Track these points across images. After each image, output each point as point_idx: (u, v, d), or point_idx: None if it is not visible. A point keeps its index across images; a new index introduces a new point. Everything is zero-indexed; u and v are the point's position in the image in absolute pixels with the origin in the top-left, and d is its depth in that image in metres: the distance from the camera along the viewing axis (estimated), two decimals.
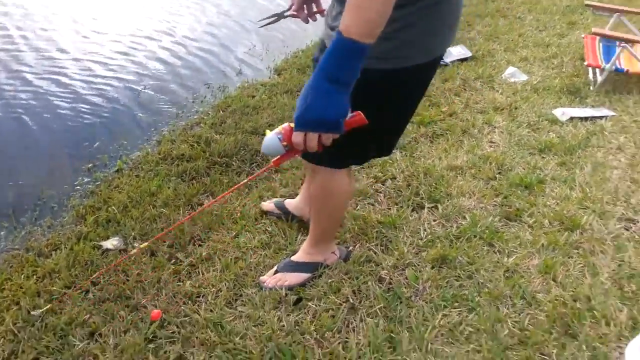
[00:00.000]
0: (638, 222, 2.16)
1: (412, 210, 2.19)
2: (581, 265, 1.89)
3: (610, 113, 3.01)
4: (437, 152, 2.65)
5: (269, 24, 1.73)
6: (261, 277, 1.82)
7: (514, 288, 1.77)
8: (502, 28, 4.54)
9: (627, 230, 2.11)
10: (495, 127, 2.91)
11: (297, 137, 1.12)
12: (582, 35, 3.86)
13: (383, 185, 2.36)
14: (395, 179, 2.40)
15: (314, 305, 1.70)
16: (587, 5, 3.97)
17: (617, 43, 3.25)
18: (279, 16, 1.70)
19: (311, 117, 1.09)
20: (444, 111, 3.07)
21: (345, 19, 1.02)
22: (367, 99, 1.20)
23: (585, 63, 3.33)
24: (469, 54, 3.90)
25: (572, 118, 2.94)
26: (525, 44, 4.13)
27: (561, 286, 1.79)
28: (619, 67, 3.28)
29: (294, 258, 1.85)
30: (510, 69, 3.58)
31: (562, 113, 2.98)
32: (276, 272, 1.81)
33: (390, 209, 2.19)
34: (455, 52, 3.89)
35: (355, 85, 1.09)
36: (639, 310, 1.70)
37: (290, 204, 2.12)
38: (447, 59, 3.78)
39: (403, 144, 2.70)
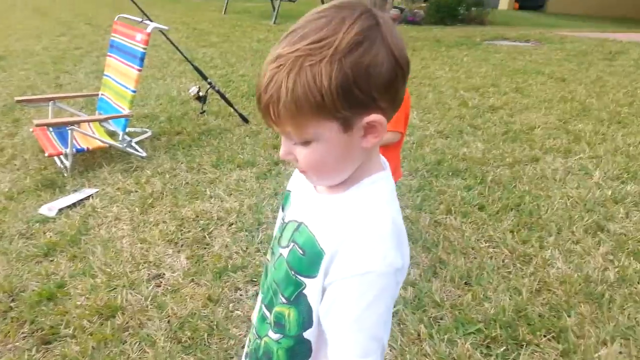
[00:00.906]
0: (164, 274, 2.31)
1: None
2: (137, 343, 1.86)
3: (94, 190, 3.09)
4: None
5: None
6: None
7: None
8: None
9: (159, 286, 2.22)
10: None
11: None
12: (31, 130, 3.78)
13: None
14: None
15: None
16: (18, 101, 3.90)
17: (67, 127, 3.34)
18: None
19: None
20: None
21: None
22: None
23: (47, 154, 3.28)
24: None
25: (61, 210, 2.84)
26: None
27: None
28: (79, 147, 3.39)
29: None
30: None
31: (49, 209, 2.85)
32: None
33: None
34: None
35: None
36: (202, 351, 1.82)
37: None
38: None
39: None
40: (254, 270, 2.33)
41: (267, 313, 0.88)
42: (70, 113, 4.11)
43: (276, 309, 0.84)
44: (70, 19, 10.48)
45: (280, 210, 0.97)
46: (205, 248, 2.54)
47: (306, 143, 0.73)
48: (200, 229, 2.70)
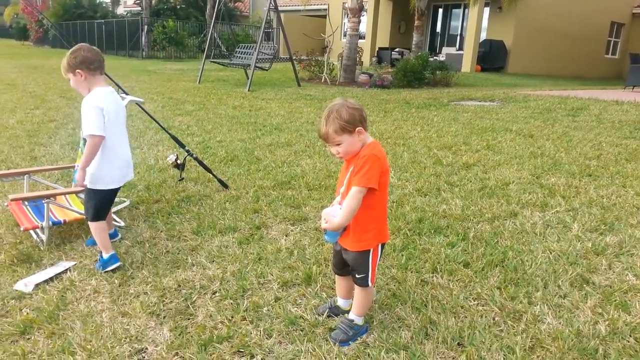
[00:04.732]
0: (147, 348, 2.21)
1: None
2: None
3: (71, 263, 2.99)
4: None
5: None
6: None
7: None
8: None
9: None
10: None
11: None
12: (6, 204, 3.70)
13: None
14: None
15: None
16: None
17: (42, 200, 3.27)
18: None
19: None
20: None
21: None
22: None
23: (22, 228, 3.19)
24: None
25: (37, 285, 2.73)
26: None
27: None
28: (55, 220, 3.32)
29: None
30: None
31: (25, 285, 2.73)
32: None
33: None
34: None
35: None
36: None
37: None
38: None
39: None
40: (240, 341, 2.25)
41: None
42: (45, 186, 4.04)
43: None
44: (43, 93, 10.53)
45: None
46: (188, 319, 2.45)
47: None
48: (182, 299, 2.62)
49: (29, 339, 2.28)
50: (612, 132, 7.14)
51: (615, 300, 2.58)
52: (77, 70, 2.78)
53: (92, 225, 2.96)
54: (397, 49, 21.81)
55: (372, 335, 2.30)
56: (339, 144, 2.08)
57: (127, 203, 3.93)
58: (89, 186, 2.90)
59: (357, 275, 2.24)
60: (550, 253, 3.14)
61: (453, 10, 23.44)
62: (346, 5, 15.43)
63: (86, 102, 2.78)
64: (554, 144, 6.31)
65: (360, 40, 15.53)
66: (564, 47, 22.24)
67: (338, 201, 2.19)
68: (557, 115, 8.55)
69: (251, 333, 2.32)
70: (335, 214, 2.12)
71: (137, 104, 3.94)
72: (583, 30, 22.84)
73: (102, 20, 30.14)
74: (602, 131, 7.17)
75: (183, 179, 4.45)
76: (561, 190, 4.37)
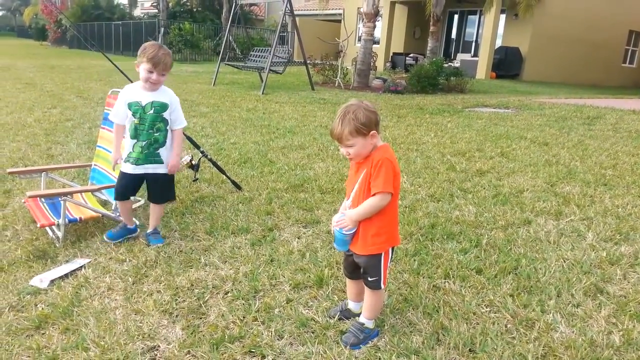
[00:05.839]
0: (159, 346, 2.23)
1: None
2: None
3: (86, 260, 3.03)
4: None
5: None
6: None
7: None
8: None
9: (154, 359, 2.14)
10: None
11: None
12: (23, 201, 3.75)
13: None
14: None
15: None
16: (9, 173, 3.88)
17: (59, 198, 3.32)
18: None
19: None
20: None
21: None
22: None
23: (39, 225, 3.24)
24: None
25: (52, 281, 2.77)
26: None
27: None
28: (71, 217, 3.36)
29: None
30: None
31: (41, 280, 2.77)
32: None
33: None
34: None
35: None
36: None
37: None
38: None
39: None
40: (252, 341, 2.27)
41: None
42: (62, 184, 4.10)
43: None
44: (61, 92, 10.67)
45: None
46: (200, 318, 2.47)
47: None
48: (195, 298, 2.64)
49: (43, 333, 2.31)
50: (629, 141, 7.06)
51: (630, 311, 2.55)
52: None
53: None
54: (411, 55, 21.78)
55: (383, 339, 2.30)
56: (351, 146, 2.08)
57: (141, 202, 3.97)
58: (175, 170, 3.34)
59: (369, 279, 2.24)
60: (564, 262, 3.11)
61: (469, 16, 23.38)
62: (361, 10, 15.45)
63: (177, 98, 3.27)
64: (569, 152, 6.26)
65: (374, 45, 15.54)
66: (580, 55, 22.05)
67: (347, 206, 2.20)
68: (573, 123, 8.48)
69: (262, 334, 2.33)
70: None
71: None
72: (600, 39, 22.63)
73: (120, 22, 30.50)
74: (619, 140, 7.10)
75: (197, 179, 4.48)
76: (576, 199, 4.33)
